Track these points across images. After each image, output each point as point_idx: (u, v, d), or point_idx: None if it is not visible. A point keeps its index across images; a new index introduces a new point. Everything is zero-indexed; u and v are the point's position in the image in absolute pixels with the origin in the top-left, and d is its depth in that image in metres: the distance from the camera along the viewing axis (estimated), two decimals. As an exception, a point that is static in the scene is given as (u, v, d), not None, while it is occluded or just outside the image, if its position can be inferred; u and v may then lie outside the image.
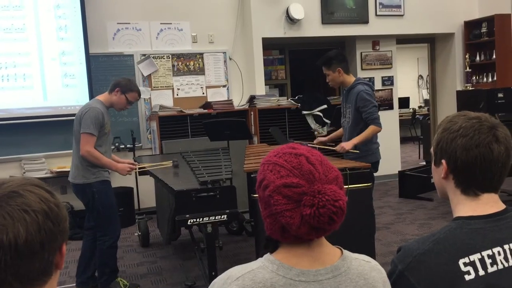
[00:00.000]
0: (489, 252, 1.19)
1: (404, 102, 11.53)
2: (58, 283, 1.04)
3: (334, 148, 3.85)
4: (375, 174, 3.95)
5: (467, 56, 7.38)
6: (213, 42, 6.56)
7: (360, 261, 1.15)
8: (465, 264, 1.17)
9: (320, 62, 4.01)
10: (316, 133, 6.31)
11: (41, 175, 5.57)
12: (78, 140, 3.58)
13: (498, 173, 1.25)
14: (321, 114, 6.30)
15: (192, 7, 6.43)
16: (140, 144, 6.19)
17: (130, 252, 4.86)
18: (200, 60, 6.50)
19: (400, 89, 8.44)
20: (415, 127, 11.19)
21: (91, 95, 5.73)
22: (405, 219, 5.48)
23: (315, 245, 1.10)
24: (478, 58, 7.50)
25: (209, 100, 6.39)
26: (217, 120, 5.27)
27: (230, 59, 6.64)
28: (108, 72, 6.01)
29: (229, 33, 6.61)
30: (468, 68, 7.36)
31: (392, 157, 7.22)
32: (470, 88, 7.24)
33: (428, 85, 10.07)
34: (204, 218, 3.03)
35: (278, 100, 6.38)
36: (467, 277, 1.16)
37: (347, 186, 3.05)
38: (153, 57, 6.27)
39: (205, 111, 6.09)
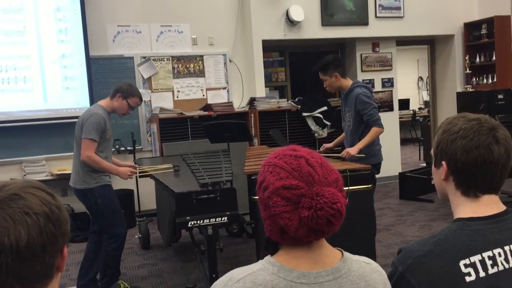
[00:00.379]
0: (490, 253, 1.19)
1: (404, 103, 11.53)
2: (59, 286, 1.04)
3: (339, 155, 3.84)
4: (377, 176, 3.95)
5: (467, 57, 7.38)
6: (213, 44, 6.56)
7: (361, 263, 1.15)
8: (466, 266, 1.17)
9: (316, 68, 4.00)
10: (316, 135, 6.32)
11: (41, 177, 5.57)
12: (79, 146, 3.59)
13: (498, 174, 1.25)
14: (321, 116, 6.31)
15: (192, 10, 6.43)
16: (140, 147, 6.20)
17: (131, 254, 4.86)
18: (200, 62, 6.51)
19: (400, 91, 8.44)
20: (415, 129, 11.19)
21: (91, 98, 5.74)
22: (406, 220, 5.48)
23: (315, 247, 1.10)
24: (478, 59, 7.51)
25: (209, 102, 6.40)
26: (217, 122, 5.27)
27: (230, 61, 6.64)
28: (108, 74, 6.02)
29: (229, 35, 6.62)
30: (468, 69, 7.36)
31: (393, 158, 7.21)
32: (470, 90, 7.24)
33: (428, 86, 10.08)
34: (205, 220, 3.03)
35: (278, 102, 6.39)
36: (467, 279, 1.16)
37: (347, 188, 3.05)
38: (153, 60, 6.27)
39: (205, 113, 6.10)
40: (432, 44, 8.09)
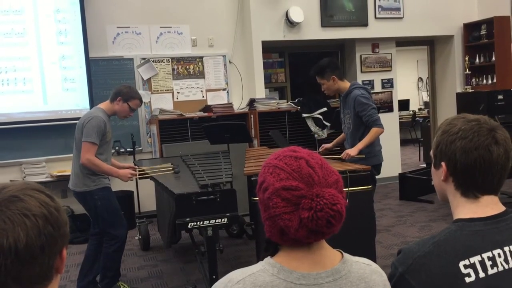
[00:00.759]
0: (489, 254, 1.19)
1: (404, 104, 11.53)
2: (59, 287, 1.04)
3: (339, 156, 3.84)
4: (377, 177, 3.95)
5: (466, 58, 7.39)
6: (212, 46, 6.57)
7: (361, 264, 1.15)
8: (466, 266, 1.17)
9: (313, 72, 4.01)
10: (316, 135, 6.31)
11: (41, 179, 5.57)
12: (79, 148, 3.59)
13: (497, 175, 1.25)
14: (321, 117, 6.31)
15: (192, 11, 6.44)
16: (140, 148, 6.19)
17: (131, 255, 4.86)
18: (200, 63, 6.51)
19: (400, 92, 8.44)
20: (415, 130, 11.19)
21: (91, 99, 5.74)
22: (406, 221, 5.48)
23: (315, 248, 1.10)
24: (477, 60, 7.51)
25: (209, 103, 6.40)
26: (217, 123, 5.27)
27: (230, 62, 6.64)
28: (108, 76, 6.02)
29: (229, 37, 6.62)
30: (467, 70, 7.37)
31: (393, 159, 7.21)
32: (470, 90, 7.25)
33: (428, 87, 10.08)
34: (205, 222, 3.03)
35: (278, 103, 6.39)
36: (467, 279, 1.16)
37: (347, 189, 3.04)
38: (153, 61, 6.28)
39: (205, 114, 6.10)
40: (432, 45, 8.10)
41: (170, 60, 6.37)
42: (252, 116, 6.19)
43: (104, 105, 3.77)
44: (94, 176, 3.62)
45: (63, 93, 5.76)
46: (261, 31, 6.47)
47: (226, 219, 3.06)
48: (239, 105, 6.57)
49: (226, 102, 6.50)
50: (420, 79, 13.56)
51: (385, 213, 5.84)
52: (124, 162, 4.41)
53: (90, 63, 5.86)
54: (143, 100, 6.04)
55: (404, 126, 10.83)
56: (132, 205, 5.84)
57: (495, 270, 1.18)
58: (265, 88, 6.76)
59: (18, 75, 5.55)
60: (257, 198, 1.15)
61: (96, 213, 3.67)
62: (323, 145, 4.31)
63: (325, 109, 6.32)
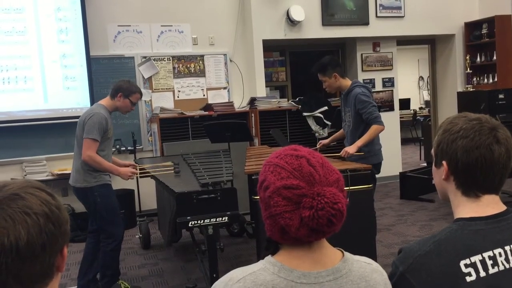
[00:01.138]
0: (490, 253, 1.19)
1: (404, 103, 11.54)
2: (59, 286, 1.04)
3: (338, 154, 3.84)
4: (377, 176, 3.94)
5: (467, 57, 7.38)
6: (213, 44, 6.56)
7: (362, 263, 1.15)
8: (466, 266, 1.17)
9: (315, 69, 4.00)
10: (316, 134, 6.31)
11: (42, 177, 5.58)
12: (80, 145, 3.59)
13: (499, 174, 1.25)
14: (321, 116, 6.30)
15: (193, 9, 6.44)
16: (141, 146, 6.20)
17: (131, 254, 4.86)
18: (200, 62, 6.51)
19: (401, 91, 8.44)
20: (416, 129, 11.19)
21: (92, 98, 5.74)
22: (406, 220, 5.48)
23: (316, 247, 1.10)
24: (478, 59, 7.50)
25: (209, 102, 6.40)
26: (218, 122, 5.27)
27: (231, 61, 6.64)
28: (108, 74, 6.02)
29: (230, 35, 6.62)
30: (468, 69, 7.36)
31: (393, 158, 7.21)
32: (471, 89, 7.24)
33: (428, 86, 10.07)
34: (205, 220, 3.03)
35: (279, 102, 6.39)
36: (468, 279, 1.16)
37: (347, 188, 3.04)
38: (153, 59, 6.28)
39: (206, 113, 6.10)
40: (433, 44, 8.09)
41: (171, 58, 6.36)
42: (252, 114, 6.19)
43: (105, 101, 3.77)
44: (95, 173, 3.62)
45: (64, 91, 5.76)
46: (262, 29, 6.47)
47: (226, 218, 3.06)
48: (239, 103, 6.57)
49: (227, 100, 6.50)
50: (421, 78, 13.55)
51: (385, 212, 5.85)
52: (125, 161, 4.41)
53: (91, 62, 5.86)
54: (144, 99, 6.08)
55: (404, 125, 10.83)
56: (133, 203, 5.84)
57: (496, 269, 1.18)
58: (266, 86, 6.76)
59: (19, 73, 5.55)
60: (258, 197, 1.15)
61: (95, 209, 3.67)
62: (320, 141, 4.31)
63: (326, 108, 6.32)
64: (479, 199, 1.27)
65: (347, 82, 4.00)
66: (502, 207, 1.28)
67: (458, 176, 1.28)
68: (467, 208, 1.27)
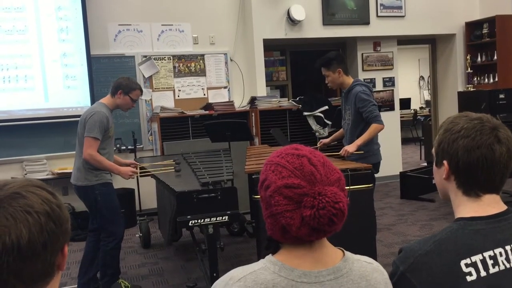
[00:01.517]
0: (491, 253, 1.19)
1: (405, 103, 11.54)
2: (60, 285, 1.04)
3: (338, 153, 3.83)
4: (376, 175, 3.94)
5: (468, 57, 7.38)
6: (214, 44, 6.56)
7: (362, 263, 1.15)
8: (467, 265, 1.17)
9: (320, 63, 3.99)
10: (317, 134, 6.31)
11: (42, 176, 5.58)
12: (82, 143, 3.59)
13: (499, 174, 1.25)
14: (322, 115, 6.30)
15: (193, 9, 6.43)
16: (141, 146, 6.20)
17: (132, 253, 4.87)
18: (201, 61, 6.51)
19: (401, 90, 8.43)
20: (416, 128, 11.19)
21: (92, 97, 5.74)
22: (407, 220, 5.48)
23: (316, 246, 1.10)
24: (479, 59, 7.50)
25: (210, 101, 6.40)
26: (218, 121, 5.27)
27: (231, 60, 6.64)
28: (109, 73, 6.01)
29: (230, 35, 6.62)
30: (469, 69, 7.36)
31: (393, 158, 7.21)
32: (472, 89, 7.24)
33: (429, 86, 10.07)
34: (205, 219, 3.03)
35: (279, 101, 6.38)
36: (468, 278, 1.16)
37: (348, 187, 3.04)
38: (154, 59, 6.27)
39: (206, 112, 6.10)
40: (433, 44, 8.08)
41: (171, 57, 6.36)
42: (253, 114, 6.19)
43: (106, 99, 3.77)
44: (96, 171, 3.61)
45: (64, 90, 5.77)
46: (263, 29, 6.47)
47: (227, 217, 3.06)
48: (240, 103, 6.57)
49: (227, 100, 6.50)
50: (422, 77, 13.55)
51: (386, 212, 5.85)
52: (125, 160, 4.40)
53: (92, 61, 5.86)
54: (145, 98, 6.08)
55: (405, 124, 10.83)
56: (133, 202, 5.84)
57: (496, 269, 1.18)
58: (266, 86, 6.76)
59: (20, 72, 5.55)
60: (259, 196, 1.15)
61: (95, 208, 3.66)
62: (321, 140, 4.31)
63: (326, 107, 6.31)
64: (480, 198, 1.27)
65: (349, 80, 4.00)
66: (502, 207, 1.28)
67: (459, 176, 1.27)
68: (468, 207, 1.27)
